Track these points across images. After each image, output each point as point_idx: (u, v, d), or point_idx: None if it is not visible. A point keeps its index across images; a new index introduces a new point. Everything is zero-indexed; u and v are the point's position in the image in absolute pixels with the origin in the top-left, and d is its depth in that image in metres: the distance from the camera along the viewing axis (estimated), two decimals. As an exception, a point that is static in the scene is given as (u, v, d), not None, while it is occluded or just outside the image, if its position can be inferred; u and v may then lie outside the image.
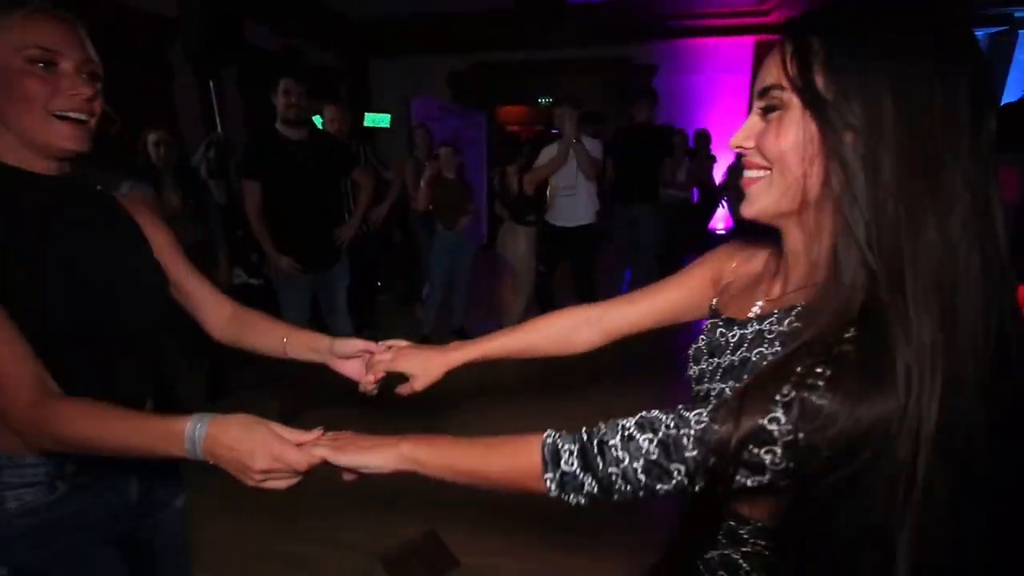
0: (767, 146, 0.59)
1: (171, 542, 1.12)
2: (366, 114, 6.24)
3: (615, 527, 2.12)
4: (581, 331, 0.96)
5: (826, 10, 0.57)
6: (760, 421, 0.52)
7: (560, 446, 0.63)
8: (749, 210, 0.63)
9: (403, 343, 1.04)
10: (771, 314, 0.65)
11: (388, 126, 6.37)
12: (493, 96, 7.26)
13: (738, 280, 0.79)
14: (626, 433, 0.60)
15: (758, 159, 0.61)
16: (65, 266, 0.87)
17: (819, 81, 0.54)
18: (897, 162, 0.51)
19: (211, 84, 3.34)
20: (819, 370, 0.51)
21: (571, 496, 0.62)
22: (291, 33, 5.37)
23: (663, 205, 4.42)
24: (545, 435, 0.65)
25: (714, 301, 0.80)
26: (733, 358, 0.68)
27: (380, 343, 1.04)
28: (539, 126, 7.54)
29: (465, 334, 4.08)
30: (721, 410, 0.56)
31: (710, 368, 0.71)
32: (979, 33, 5.31)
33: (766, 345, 0.63)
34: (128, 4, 3.67)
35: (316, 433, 0.76)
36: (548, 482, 0.62)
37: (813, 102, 0.54)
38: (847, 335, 0.52)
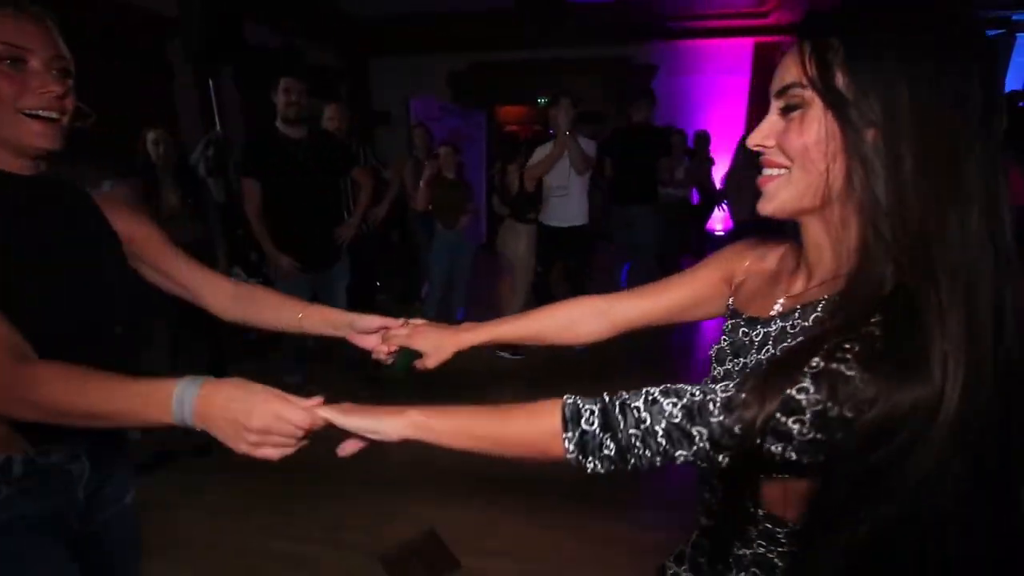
0: (790, 143, 0.59)
1: (121, 539, 1.10)
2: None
3: (617, 527, 2.12)
4: (589, 321, 0.96)
5: (843, 9, 0.58)
6: (789, 391, 0.52)
7: (581, 406, 0.63)
8: (767, 207, 0.64)
9: (420, 321, 1.05)
10: (794, 310, 0.66)
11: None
12: (493, 96, 7.26)
13: (753, 279, 0.79)
14: (650, 397, 0.60)
15: (780, 158, 0.61)
16: (37, 265, 0.86)
17: (838, 79, 0.55)
18: (916, 157, 0.52)
19: (210, 83, 3.34)
20: (847, 346, 0.52)
21: (588, 460, 0.61)
22: (291, 33, 5.37)
23: (662, 205, 4.43)
24: (566, 397, 0.65)
25: (731, 301, 0.81)
26: (759, 356, 0.68)
27: (398, 320, 1.06)
28: (538, 126, 7.55)
29: (464, 333, 4.06)
30: (749, 380, 0.56)
31: (736, 369, 0.71)
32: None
33: (790, 340, 0.64)
34: (128, 3, 3.67)
35: (318, 400, 0.73)
36: (566, 442, 0.62)
37: (834, 100, 0.55)
38: (873, 320, 0.53)
